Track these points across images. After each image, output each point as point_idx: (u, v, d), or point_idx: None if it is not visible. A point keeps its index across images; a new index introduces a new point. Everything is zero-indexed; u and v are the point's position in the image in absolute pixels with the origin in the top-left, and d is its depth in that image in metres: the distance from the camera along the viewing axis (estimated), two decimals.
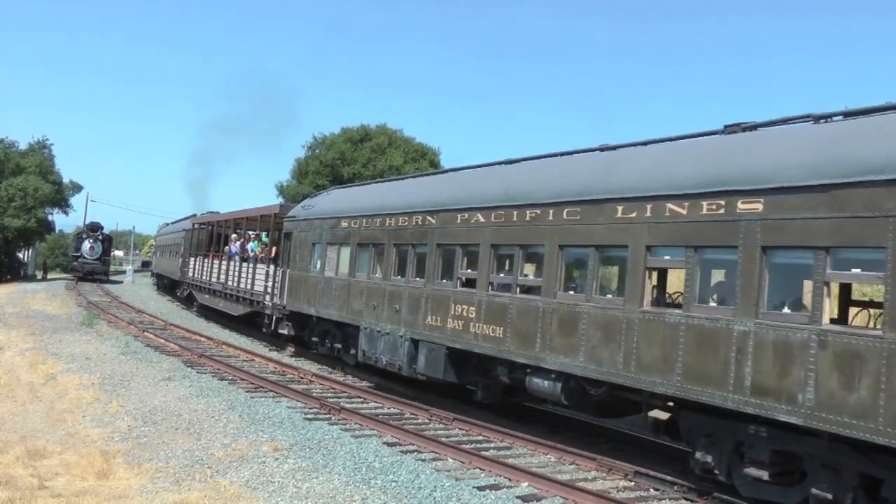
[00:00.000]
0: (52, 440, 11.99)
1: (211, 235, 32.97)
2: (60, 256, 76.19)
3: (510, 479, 9.81)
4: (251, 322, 25.58)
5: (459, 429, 12.91)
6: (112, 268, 62.84)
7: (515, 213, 11.89)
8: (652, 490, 9.83)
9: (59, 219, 64.40)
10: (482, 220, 12.64)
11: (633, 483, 10.12)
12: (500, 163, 13.94)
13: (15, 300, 35.34)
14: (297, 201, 37.30)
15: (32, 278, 60.96)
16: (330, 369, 19.04)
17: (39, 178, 55.68)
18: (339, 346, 17.96)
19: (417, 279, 14.27)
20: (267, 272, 22.45)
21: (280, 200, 43.44)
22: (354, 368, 17.92)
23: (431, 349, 13.52)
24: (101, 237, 55.76)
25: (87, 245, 54.57)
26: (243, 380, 16.52)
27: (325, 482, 9.41)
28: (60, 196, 59.97)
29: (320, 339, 19.04)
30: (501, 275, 12.44)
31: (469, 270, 13.07)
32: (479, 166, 14.72)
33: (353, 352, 16.93)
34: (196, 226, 35.28)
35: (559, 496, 9.17)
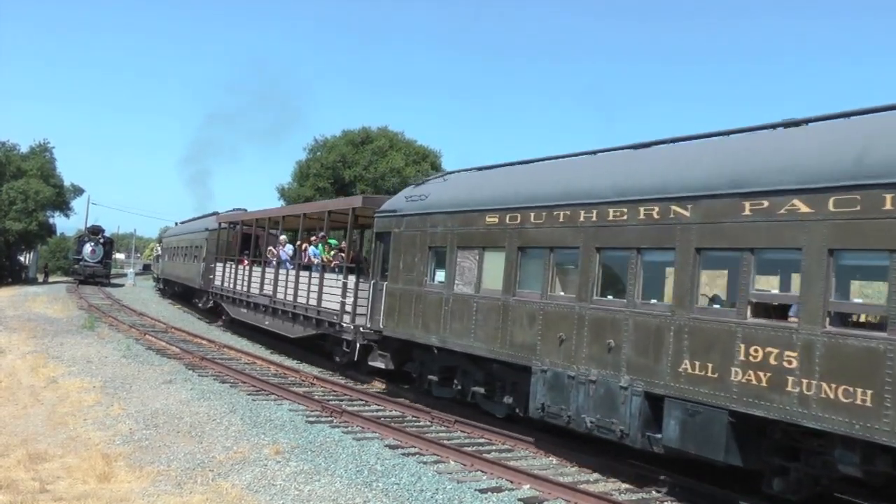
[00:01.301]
0: (54, 443, 11.98)
1: (246, 237, 27.62)
2: (62, 259, 76.36)
3: (512, 482, 9.79)
4: (312, 346, 21.12)
5: (461, 431, 12.90)
6: (113, 271, 62.91)
7: (889, 197, 7.27)
8: (654, 492, 9.81)
9: (60, 222, 64.62)
10: (805, 209, 7.96)
11: (635, 485, 10.10)
12: (785, 124, 9.29)
13: (16, 303, 35.34)
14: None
15: (34, 281, 61.01)
16: (330, 372, 19.00)
17: (40, 181, 55.83)
18: (479, 390, 13.14)
19: (653, 302, 9.82)
20: (344, 284, 17.65)
21: (281, 203, 43.43)
22: (504, 422, 13.00)
23: (695, 413, 8.84)
24: (102, 240, 55.76)
25: (88, 248, 54.58)
26: (245, 382, 16.51)
27: (326, 485, 9.41)
28: (61, 199, 60.11)
29: (442, 377, 14.15)
30: (858, 300, 8.36)
31: (775, 291, 9.10)
32: (763, 127, 9.57)
33: (507, 400, 12.51)
34: (225, 225, 29.71)
35: (561, 498, 9.16)
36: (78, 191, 65.28)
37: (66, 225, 75.69)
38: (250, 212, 30.25)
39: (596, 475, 10.52)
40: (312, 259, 20.49)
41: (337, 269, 18.72)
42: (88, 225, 61.81)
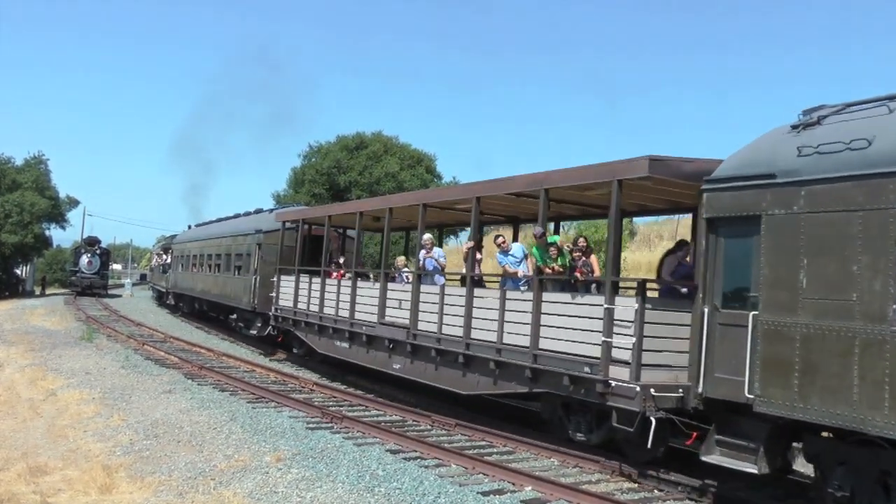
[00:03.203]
0: (54, 456, 11.96)
1: (336, 241, 21.77)
2: (59, 271, 76.25)
3: (514, 484, 9.79)
4: (480, 402, 14.42)
5: (462, 434, 12.90)
6: (110, 281, 62.88)
7: None
8: (656, 491, 9.82)
9: (56, 234, 64.62)
10: None
11: (637, 484, 10.11)
12: None
13: (14, 316, 35.29)
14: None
15: (31, 294, 60.97)
16: (330, 379, 18.95)
17: (36, 193, 55.81)
18: None
19: None
20: (608, 312, 10.26)
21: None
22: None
23: None
24: (98, 251, 55.75)
25: (85, 259, 54.56)
26: (244, 390, 16.49)
27: (328, 491, 9.40)
28: (57, 211, 60.08)
29: None
30: None
31: None
32: None
33: None
34: (291, 224, 22.30)
35: (563, 499, 9.16)
36: (73, 202, 65.31)
37: (62, 237, 75.55)
38: (348, 203, 24.58)
39: (597, 475, 10.51)
40: (509, 269, 13.21)
41: (580, 285, 11.50)
42: (85, 236, 61.80)
